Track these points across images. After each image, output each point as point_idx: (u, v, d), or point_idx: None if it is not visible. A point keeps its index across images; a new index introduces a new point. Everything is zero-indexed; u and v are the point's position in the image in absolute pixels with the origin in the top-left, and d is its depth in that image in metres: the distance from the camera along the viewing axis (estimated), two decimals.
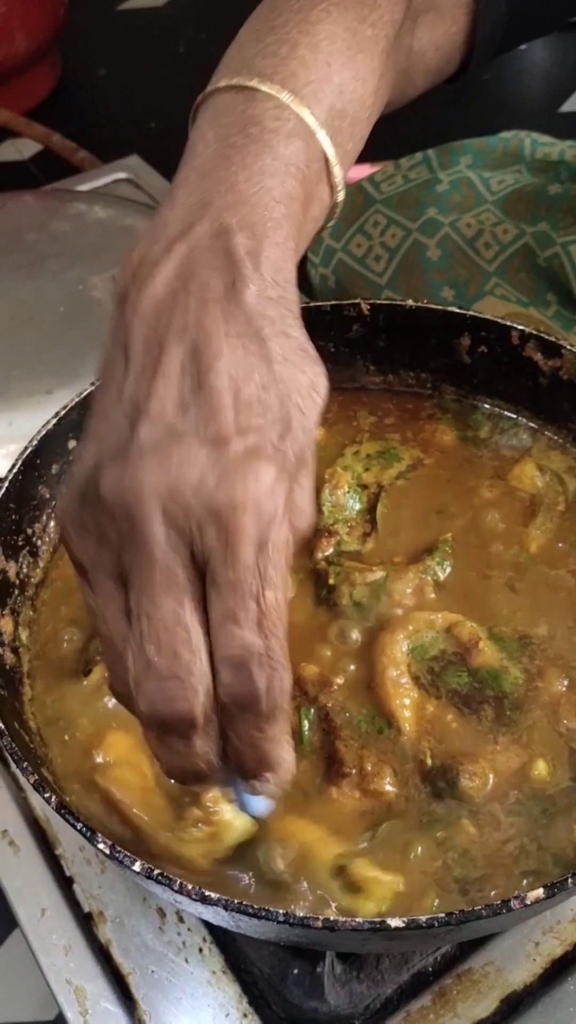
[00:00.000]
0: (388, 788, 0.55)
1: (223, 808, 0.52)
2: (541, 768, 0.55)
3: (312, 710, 0.59)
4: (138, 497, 0.40)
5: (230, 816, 0.52)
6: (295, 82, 0.51)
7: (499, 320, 0.72)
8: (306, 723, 0.58)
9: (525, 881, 0.52)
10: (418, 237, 0.97)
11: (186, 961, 0.64)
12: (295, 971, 0.60)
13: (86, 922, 0.67)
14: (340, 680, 0.60)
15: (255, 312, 0.43)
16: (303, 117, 0.50)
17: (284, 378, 0.43)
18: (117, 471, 0.40)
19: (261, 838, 0.53)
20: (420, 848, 0.53)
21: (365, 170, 1.21)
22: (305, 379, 0.44)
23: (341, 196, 0.53)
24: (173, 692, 0.40)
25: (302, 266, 1.12)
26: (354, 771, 0.55)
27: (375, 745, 0.57)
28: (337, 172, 0.52)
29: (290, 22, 0.53)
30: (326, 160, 0.51)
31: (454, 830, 0.54)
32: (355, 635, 0.63)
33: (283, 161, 0.48)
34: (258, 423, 0.41)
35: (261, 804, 0.49)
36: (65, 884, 0.68)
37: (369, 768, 0.56)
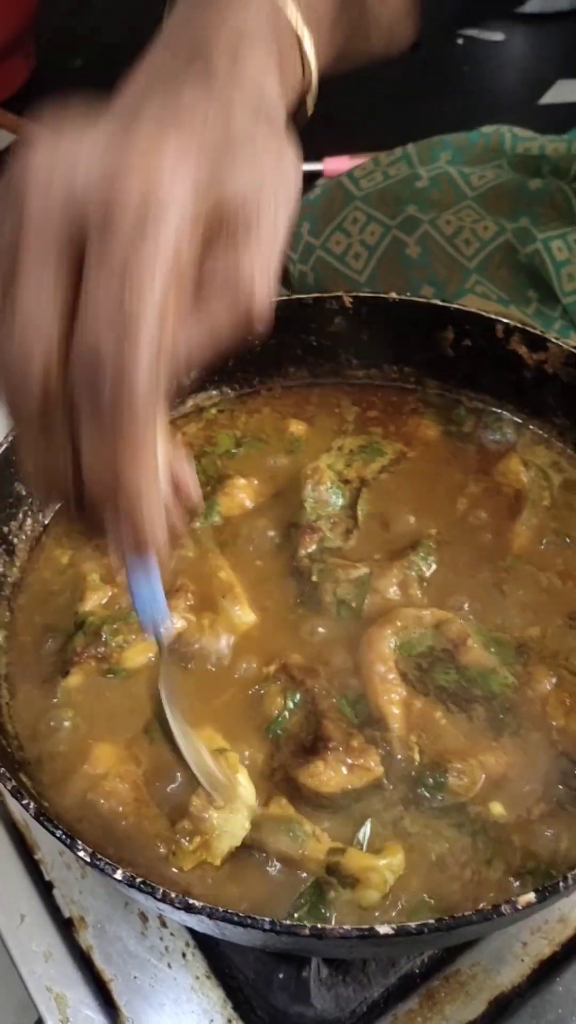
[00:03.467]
0: (374, 765, 0.55)
1: (212, 815, 0.51)
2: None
3: (298, 693, 0.58)
4: (23, 174, 0.37)
5: (220, 822, 0.51)
6: None
7: (484, 313, 0.71)
8: (291, 704, 0.58)
9: (517, 883, 0.52)
10: (398, 234, 0.96)
11: (169, 966, 0.63)
12: (280, 975, 0.59)
13: (66, 928, 0.65)
14: (326, 669, 0.60)
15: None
16: None
17: (248, 135, 0.43)
18: (20, 154, 0.38)
19: (263, 824, 0.53)
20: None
21: (345, 164, 1.19)
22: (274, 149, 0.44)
23: (314, 77, 0.55)
24: (16, 361, 0.37)
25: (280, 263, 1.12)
26: (340, 748, 0.55)
27: (362, 732, 0.57)
28: (307, 44, 0.53)
29: None
30: (293, 32, 0.53)
31: (436, 826, 0.54)
32: (336, 631, 0.62)
33: (249, 9, 0.50)
34: (192, 120, 0.42)
35: (154, 604, 0.46)
36: (45, 889, 0.67)
37: (355, 745, 0.55)
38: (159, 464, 0.39)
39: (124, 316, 0.36)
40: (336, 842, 0.52)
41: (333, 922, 0.50)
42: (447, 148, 1.01)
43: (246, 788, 0.53)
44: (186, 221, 0.38)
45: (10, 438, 0.63)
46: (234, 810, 0.51)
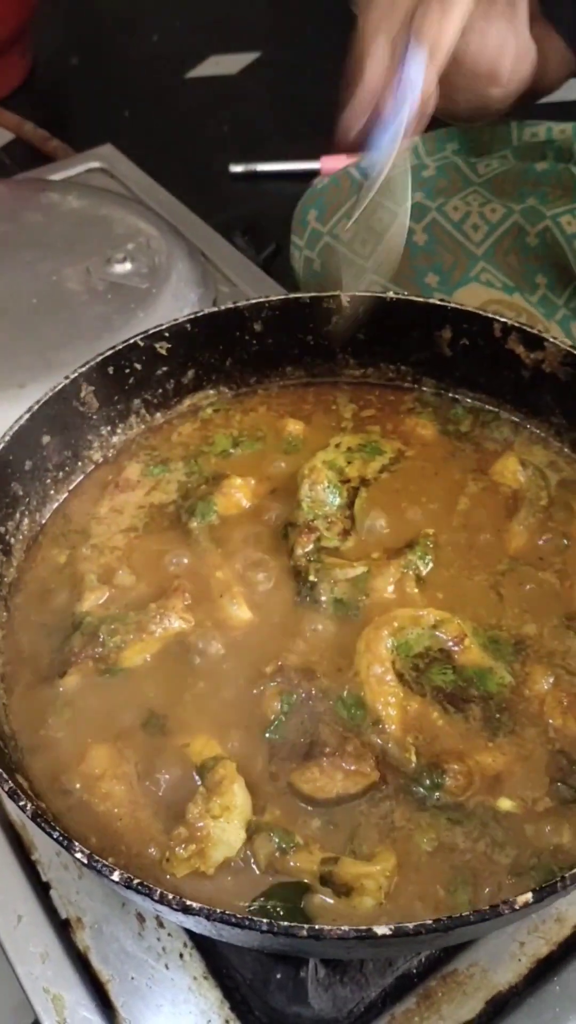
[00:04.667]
0: (370, 770, 0.55)
1: (209, 823, 0.51)
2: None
3: (294, 695, 0.58)
4: None
5: (216, 831, 0.51)
6: None
7: (482, 312, 0.71)
8: (286, 706, 0.57)
9: (512, 881, 0.51)
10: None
11: (166, 967, 0.63)
12: (278, 976, 0.59)
13: (63, 929, 0.65)
14: (323, 670, 0.60)
15: None
16: None
17: None
18: None
19: (256, 834, 0.53)
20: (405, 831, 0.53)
21: (342, 162, 1.19)
22: None
23: None
24: None
25: (285, 250, 1.11)
26: (336, 753, 0.55)
27: (358, 735, 0.56)
28: None
29: None
30: None
31: (434, 825, 0.54)
32: (334, 631, 0.62)
33: None
34: None
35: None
36: (42, 890, 0.67)
37: (350, 749, 0.55)
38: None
39: None
40: (328, 852, 0.52)
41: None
42: (453, 139, 1.01)
43: (242, 798, 0.52)
44: None
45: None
46: (230, 819, 0.51)
